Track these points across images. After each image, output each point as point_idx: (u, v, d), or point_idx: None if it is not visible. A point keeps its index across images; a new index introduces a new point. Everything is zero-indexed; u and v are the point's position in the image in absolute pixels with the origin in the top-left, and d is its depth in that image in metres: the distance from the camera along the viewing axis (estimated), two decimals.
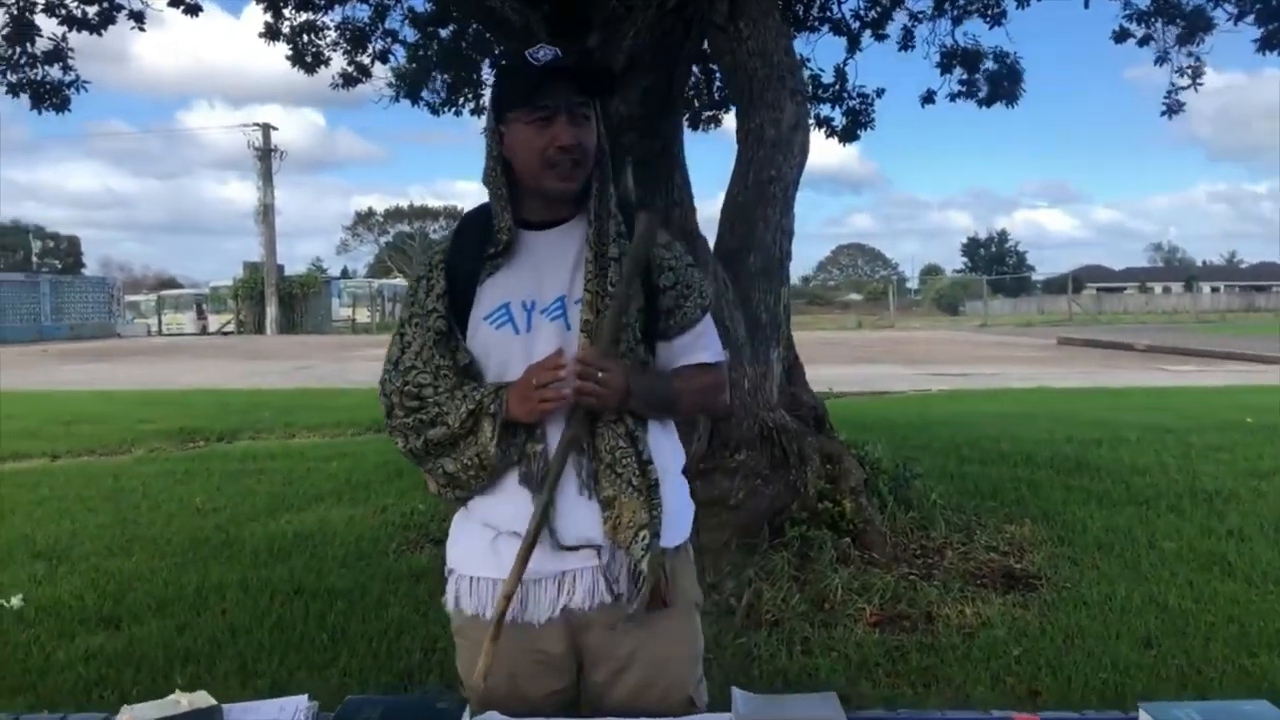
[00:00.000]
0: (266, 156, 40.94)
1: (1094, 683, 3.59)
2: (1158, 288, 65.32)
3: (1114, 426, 9.66)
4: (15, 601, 4.62)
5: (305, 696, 1.73)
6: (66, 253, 61.69)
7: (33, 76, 6.94)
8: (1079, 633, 4.08)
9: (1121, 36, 7.96)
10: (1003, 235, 78.24)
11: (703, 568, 4.49)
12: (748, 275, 5.25)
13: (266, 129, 41.06)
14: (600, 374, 1.69)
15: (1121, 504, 6.35)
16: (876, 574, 4.66)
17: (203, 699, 1.66)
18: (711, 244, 5.48)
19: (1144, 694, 3.46)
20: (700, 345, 1.89)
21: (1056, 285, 56.87)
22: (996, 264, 70.34)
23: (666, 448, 1.90)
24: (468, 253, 1.83)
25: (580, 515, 1.78)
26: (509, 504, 1.81)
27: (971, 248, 77.45)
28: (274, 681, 3.68)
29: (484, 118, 1.88)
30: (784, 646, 3.95)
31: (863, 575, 4.64)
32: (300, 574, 5.05)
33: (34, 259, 58.29)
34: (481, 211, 1.85)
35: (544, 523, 1.72)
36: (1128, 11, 7.85)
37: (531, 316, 1.79)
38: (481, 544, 1.84)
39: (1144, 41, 7.98)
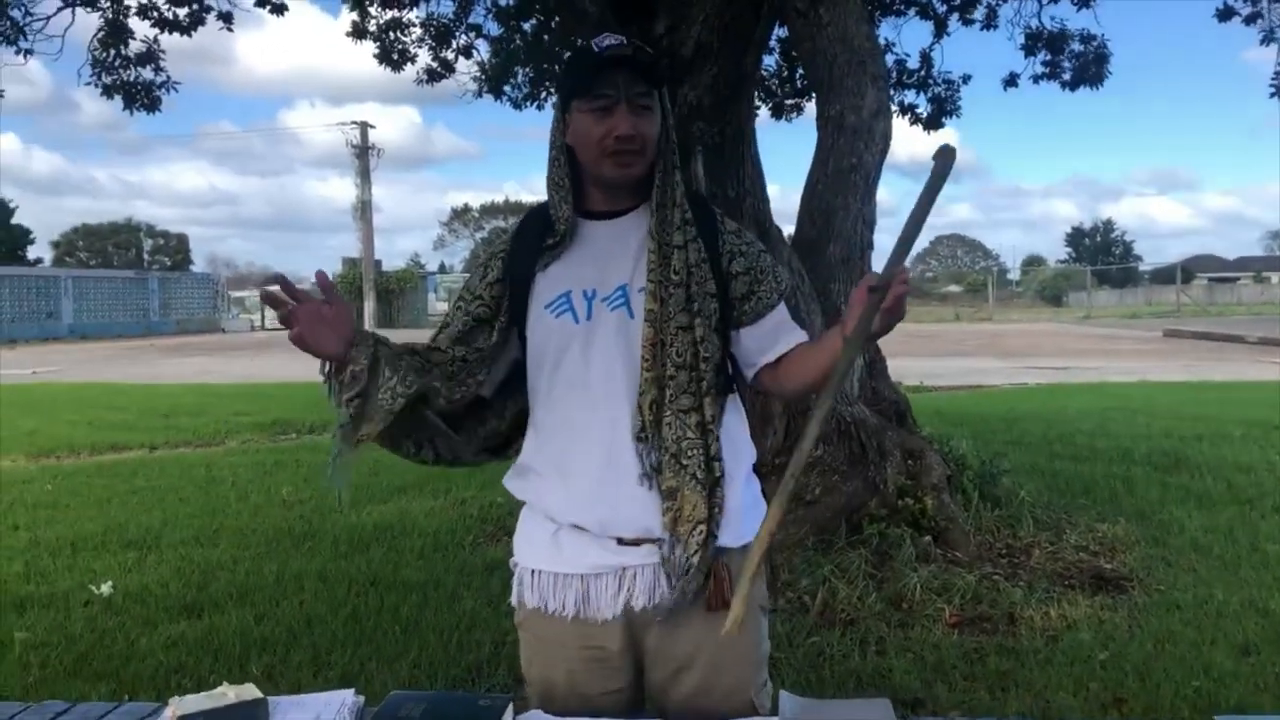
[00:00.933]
0: (364, 154, 41.65)
1: (1185, 691, 3.40)
2: (1275, 277, 62.61)
3: (1217, 422, 9.26)
4: (105, 589, 4.76)
5: (352, 691, 1.73)
6: (175, 250, 63.73)
7: (125, 78, 7.14)
8: (1170, 637, 3.88)
9: (1226, 14, 7.57)
10: (1108, 224, 76.10)
11: (777, 565, 4.45)
12: (827, 266, 5.12)
13: (364, 127, 41.77)
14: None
15: (1223, 503, 6.07)
16: (958, 573, 4.52)
17: (249, 691, 1.67)
18: (789, 234, 5.38)
19: (1239, 704, 3.29)
20: (787, 329, 1.82)
21: (1165, 276, 54.79)
22: (1102, 254, 68.45)
23: (740, 443, 1.82)
24: (530, 244, 1.81)
25: (640, 506, 1.72)
26: (564, 493, 1.77)
27: (1076, 237, 75.46)
28: (344, 673, 3.71)
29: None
30: (858, 646, 3.85)
31: (943, 574, 4.50)
32: (377, 566, 5.11)
33: (145, 256, 60.44)
34: (546, 206, 1.83)
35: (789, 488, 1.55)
36: None
37: (592, 305, 1.76)
38: (544, 537, 1.81)
39: (1250, 20, 7.60)
